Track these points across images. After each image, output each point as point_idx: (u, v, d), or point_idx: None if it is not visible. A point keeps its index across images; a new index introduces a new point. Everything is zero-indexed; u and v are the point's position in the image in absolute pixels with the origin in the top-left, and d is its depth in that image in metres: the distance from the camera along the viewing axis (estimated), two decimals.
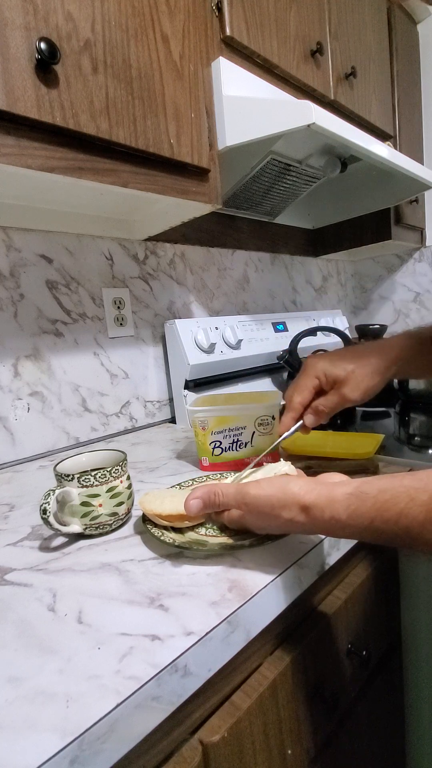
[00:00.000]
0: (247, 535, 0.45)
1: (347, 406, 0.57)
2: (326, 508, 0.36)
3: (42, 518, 0.45)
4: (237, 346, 1.07)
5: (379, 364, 0.57)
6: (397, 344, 0.59)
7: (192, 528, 0.48)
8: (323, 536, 0.45)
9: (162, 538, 0.44)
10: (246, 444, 0.66)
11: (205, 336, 0.99)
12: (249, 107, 0.75)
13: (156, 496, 0.50)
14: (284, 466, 0.49)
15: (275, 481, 0.41)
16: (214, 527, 0.48)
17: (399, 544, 0.33)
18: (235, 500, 0.42)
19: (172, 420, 1.08)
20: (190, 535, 0.47)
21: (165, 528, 0.47)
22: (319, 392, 0.59)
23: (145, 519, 0.48)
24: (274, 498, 0.39)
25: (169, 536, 0.45)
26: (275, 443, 0.59)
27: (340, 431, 0.90)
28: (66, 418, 0.89)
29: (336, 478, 0.41)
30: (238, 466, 0.65)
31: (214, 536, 0.46)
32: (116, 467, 0.49)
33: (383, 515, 0.33)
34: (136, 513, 0.53)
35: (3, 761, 0.24)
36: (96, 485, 0.47)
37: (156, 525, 0.47)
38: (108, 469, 0.48)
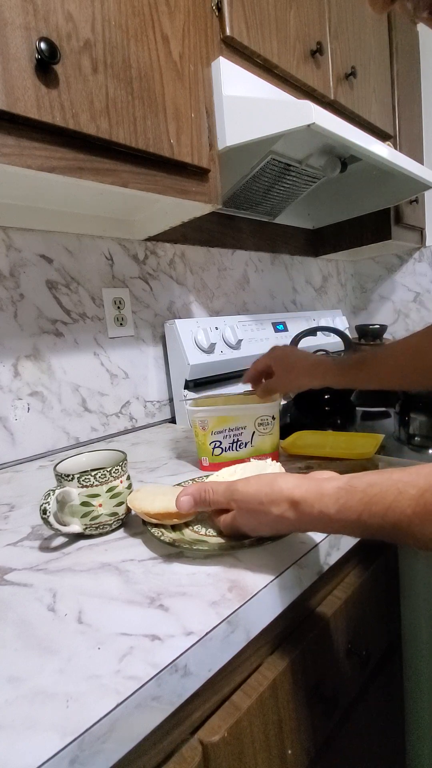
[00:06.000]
0: (246, 535, 0.44)
1: (281, 387, 0.70)
2: (316, 502, 0.36)
3: (42, 518, 0.45)
4: (237, 346, 1.07)
5: (318, 364, 0.70)
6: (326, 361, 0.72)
7: (191, 527, 0.48)
8: (321, 537, 0.45)
9: (162, 538, 0.44)
10: (246, 444, 0.66)
11: (205, 336, 0.99)
12: (249, 107, 0.75)
13: (146, 493, 0.50)
14: (272, 466, 0.49)
15: (264, 477, 0.41)
16: (214, 527, 0.48)
17: (386, 539, 0.33)
18: (224, 497, 0.42)
19: (172, 420, 1.08)
20: (190, 535, 0.46)
21: (164, 527, 0.47)
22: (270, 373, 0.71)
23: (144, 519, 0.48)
24: (262, 493, 0.39)
25: (169, 536, 0.45)
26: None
27: (340, 431, 0.90)
28: (66, 418, 0.89)
29: (326, 474, 0.41)
30: None
31: (214, 536, 0.46)
32: (116, 467, 0.49)
33: (371, 509, 0.33)
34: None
35: (3, 761, 0.24)
36: (96, 485, 0.47)
37: (155, 525, 0.47)
38: (108, 469, 0.48)
